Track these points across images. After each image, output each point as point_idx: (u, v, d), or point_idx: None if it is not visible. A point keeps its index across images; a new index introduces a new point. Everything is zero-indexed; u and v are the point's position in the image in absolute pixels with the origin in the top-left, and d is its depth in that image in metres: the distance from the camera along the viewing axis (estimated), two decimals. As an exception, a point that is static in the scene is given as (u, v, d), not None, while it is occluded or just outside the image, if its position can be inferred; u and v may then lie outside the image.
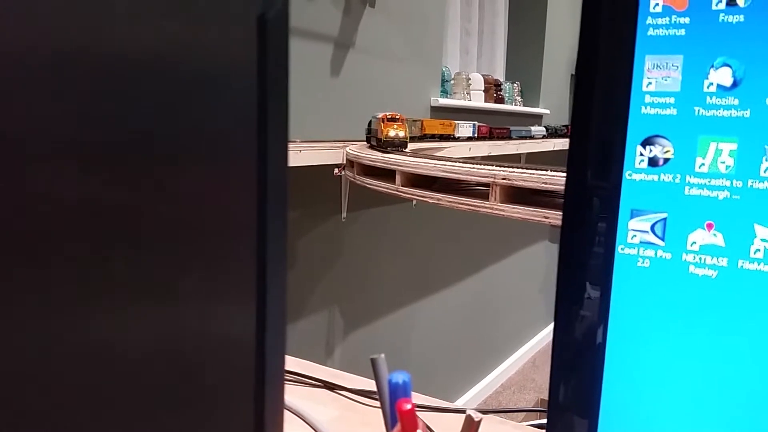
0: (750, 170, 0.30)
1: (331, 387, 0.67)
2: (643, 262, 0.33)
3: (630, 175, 0.33)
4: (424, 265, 2.45)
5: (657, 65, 0.32)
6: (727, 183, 0.31)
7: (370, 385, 0.67)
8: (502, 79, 3.10)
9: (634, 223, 0.33)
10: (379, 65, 1.93)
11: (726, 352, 0.32)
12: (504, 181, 0.77)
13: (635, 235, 0.33)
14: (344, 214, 1.82)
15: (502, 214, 0.78)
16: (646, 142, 0.32)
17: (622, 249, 0.33)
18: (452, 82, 2.59)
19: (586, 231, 0.34)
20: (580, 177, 0.34)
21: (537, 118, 3.22)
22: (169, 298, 0.22)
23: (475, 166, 0.87)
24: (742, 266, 0.31)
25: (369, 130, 1.69)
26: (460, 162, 0.94)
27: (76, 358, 0.19)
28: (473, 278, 2.89)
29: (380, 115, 1.56)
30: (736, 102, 0.30)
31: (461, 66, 2.82)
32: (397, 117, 1.54)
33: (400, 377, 0.28)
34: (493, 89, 2.82)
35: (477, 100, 2.69)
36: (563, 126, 2.99)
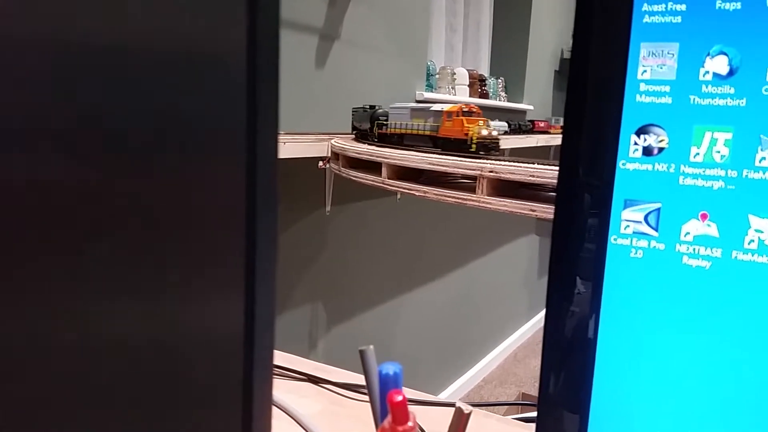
0: (745, 160, 0.30)
1: (315, 381, 0.67)
2: (636, 253, 0.32)
3: (624, 164, 0.32)
4: (408, 258, 2.45)
5: (652, 53, 0.31)
6: (722, 173, 0.30)
7: (355, 378, 0.66)
8: (486, 74, 3.11)
9: (627, 213, 0.32)
10: (364, 58, 1.92)
11: (719, 344, 0.31)
12: (491, 174, 0.76)
13: (628, 226, 0.32)
14: (328, 208, 1.81)
15: (490, 207, 0.78)
16: (641, 131, 0.32)
17: (615, 239, 0.33)
18: (437, 76, 2.58)
19: (579, 221, 0.34)
20: (573, 166, 0.33)
21: (521, 114, 3.23)
22: (156, 292, 0.22)
23: (461, 159, 0.87)
24: (736, 257, 0.31)
25: (379, 124, 1.40)
26: (446, 155, 0.94)
27: (60, 354, 0.19)
28: (457, 272, 2.89)
29: (446, 108, 1.21)
30: (732, 91, 0.30)
31: (446, 60, 2.82)
32: (474, 110, 1.21)
33: (390, 368, 0.27)
34: (477, 84, 2.82)
35: (462, 95, 2.69)
36: (529, 121, 2.96)
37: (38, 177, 0.17)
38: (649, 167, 0.32)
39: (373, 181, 1.05)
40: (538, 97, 3.48)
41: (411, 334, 2.58)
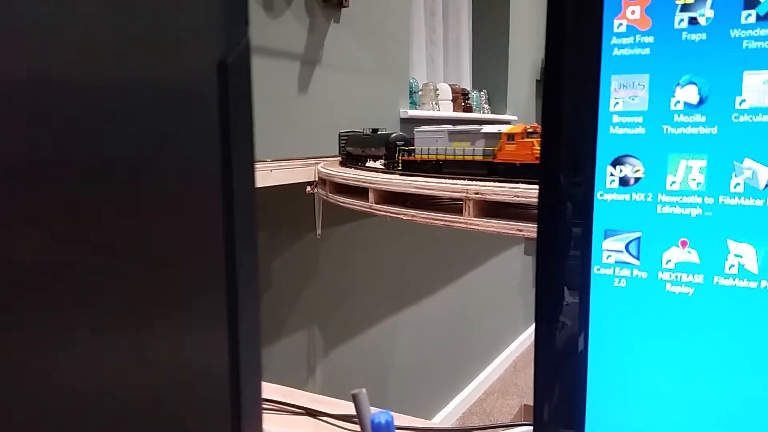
0: (720, 186, 0.30)
1: (313, 413, 0.66)
2: (620, 282, 0.33)
3: (602, 195, 0.33)
4: (402, 277, 2.45)
5: (623, 85, 0.32)
6: (699, 200, 0.31)
7: (353, 409, 0.66)
8: (469, 88, 3.12)
9: (608, 243, 0.33)
10: (346, 80, 1.93)
11: (707, 366, 0.32)
12: (476, 195, 0.77)
13: (610, 255, 0.33)
14: (319, 231, 1.81)
15: (477, 228, 0.78)
16: (616, 162, 0.32)
17: (598, 269, 0.33)
18: (420, 93, 2.60)
19: (562, 252, 0.34)
20: (552, 199, 0.34)
21: (505, 125, 3.24)
22: (136, 331, 0.22)
23: (447, 181, 0.87)
24: (717, 282, 0.31)
25: (401, 150, 1.21)
26: (432, 178, 0.94)
27: (47, 396, 0.19)
28: (451, 287, 2.89)
29: (505, 130, 1.04)
30: (704, 119, 0.31)
31: (428, 77, 2.84)
32: (539, 130, 0.99)
33: (382, 417, 0.27)
34: (460, 98, 2.84)
35: (446, 110, 2.70)
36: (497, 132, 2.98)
37: (12, 218, 0.17)
38: (627, 197, 0.32)
39: (360, 206, 1.06)
40: (521, 107, 3.50)
41: (410, 352, 2.57)
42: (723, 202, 0.31)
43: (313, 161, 1.58)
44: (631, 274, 0.32)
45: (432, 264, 2.69)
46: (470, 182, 0.83)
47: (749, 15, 0.30)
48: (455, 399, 3.01)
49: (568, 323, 0.34)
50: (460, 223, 0.80)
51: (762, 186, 0.30)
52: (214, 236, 0.25)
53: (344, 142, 1.51)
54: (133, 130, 0.20)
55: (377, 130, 1.40)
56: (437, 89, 2.67)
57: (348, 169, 1.28)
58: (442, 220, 0.84)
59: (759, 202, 0.30)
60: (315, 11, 1.72)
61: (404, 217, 0.93)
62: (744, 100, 0.30)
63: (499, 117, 3.16)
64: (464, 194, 0.79)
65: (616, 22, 0.32)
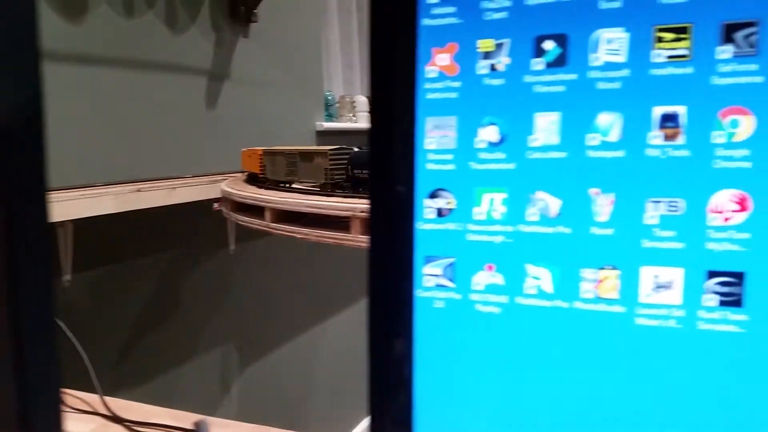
0: (519, 216, 0.34)
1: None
2: (439, 303, 0.36)
3: (421, 225, 0.36)
4: (320, 290, 2.46)
5: (436, 126, 0.35)
6: (502, 228, 0.34)
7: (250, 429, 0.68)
8: (387, 99, 3.17)
9: (428, 269, 0.36)
10: (257, 95, 1.93)
11: (518, 378, 0.35)
12: (362, 213, 0.80)
13: (430, 279, 0.36)
14: (232, 247, 1.80)
15: (363, 245, 0.81)
16: (433, 195, 0.35)
17: (420, 292, 0.36)
18: (337, 105, 2.63)
19: (389, 277, 0.37)
20: (380, 228, 0.37)
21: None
22: None
23: (338, 200, 0.90)
24: (519, 302, 0.34)
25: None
26: (324, 197, 0.96)
27: None
28: (372, 297, 2.92)
29: None
30: (503, 156, 0.34)
31: (345, 89, 2.87)
32: None
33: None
34: (378, 110, 2.88)
35: (364, 122, 2.74)
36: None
37: None
38: (442, 227, 0.35)
39: (257, 225, 1.07)
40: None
41: (331, 363, 2.58)
42: (521, 230, 0.34)
43: (222, 177, 1.58)
44: (448, 296, 0.36)
45: (349, 275, 2.71)
46: (357, 201, 0.86)
47: (538, 62, 0.33)
48: (380, 407, 3.04)
49: (397, 342, 0.37)
50: (348, 240, 0.83)
51: (553, 215, 0.33)
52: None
53: (342, 161, 1.14)
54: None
55: None
56: (354, 101, 2.71)
57: (250, 186, 1.29)
58: (332, 238, 0.87)
59: (551, 230, 0.34)
60: (222, 27, 1.72)
61: (298, 236, 0.95)
62: (536, 139, 0.34)
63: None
64: (351, 213, 0.82)
65: (427, 69, 0.35)
